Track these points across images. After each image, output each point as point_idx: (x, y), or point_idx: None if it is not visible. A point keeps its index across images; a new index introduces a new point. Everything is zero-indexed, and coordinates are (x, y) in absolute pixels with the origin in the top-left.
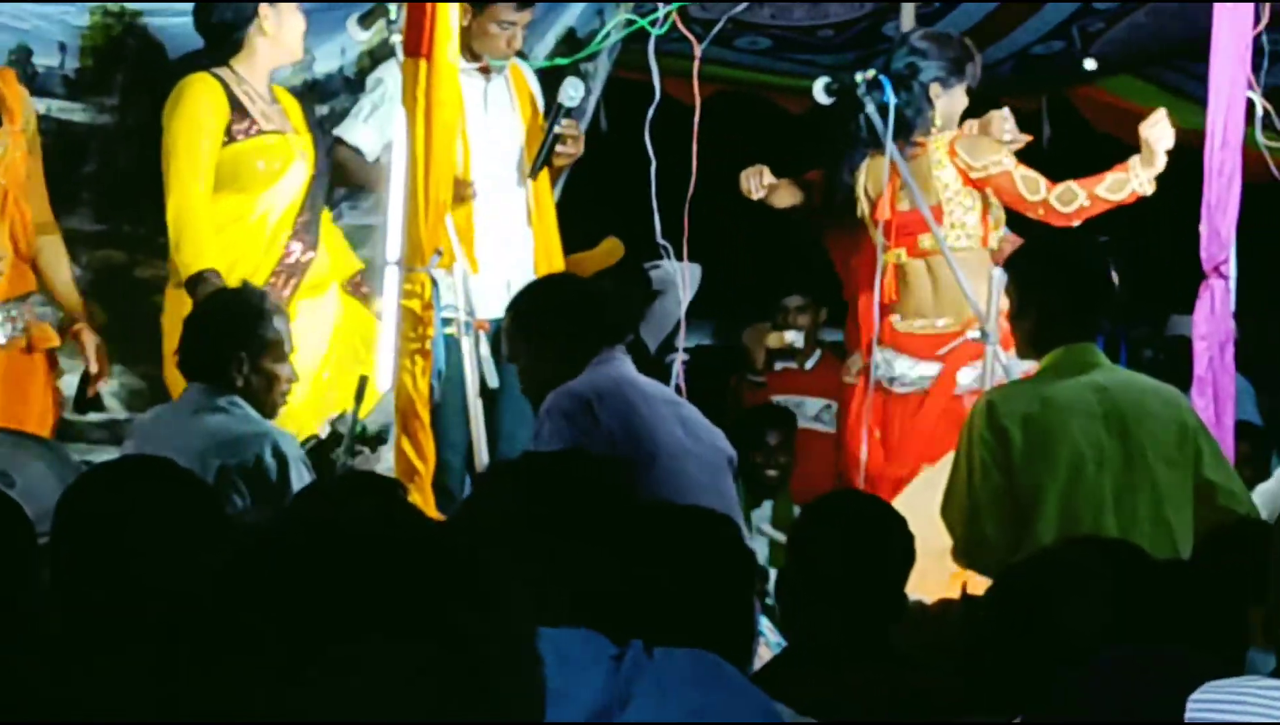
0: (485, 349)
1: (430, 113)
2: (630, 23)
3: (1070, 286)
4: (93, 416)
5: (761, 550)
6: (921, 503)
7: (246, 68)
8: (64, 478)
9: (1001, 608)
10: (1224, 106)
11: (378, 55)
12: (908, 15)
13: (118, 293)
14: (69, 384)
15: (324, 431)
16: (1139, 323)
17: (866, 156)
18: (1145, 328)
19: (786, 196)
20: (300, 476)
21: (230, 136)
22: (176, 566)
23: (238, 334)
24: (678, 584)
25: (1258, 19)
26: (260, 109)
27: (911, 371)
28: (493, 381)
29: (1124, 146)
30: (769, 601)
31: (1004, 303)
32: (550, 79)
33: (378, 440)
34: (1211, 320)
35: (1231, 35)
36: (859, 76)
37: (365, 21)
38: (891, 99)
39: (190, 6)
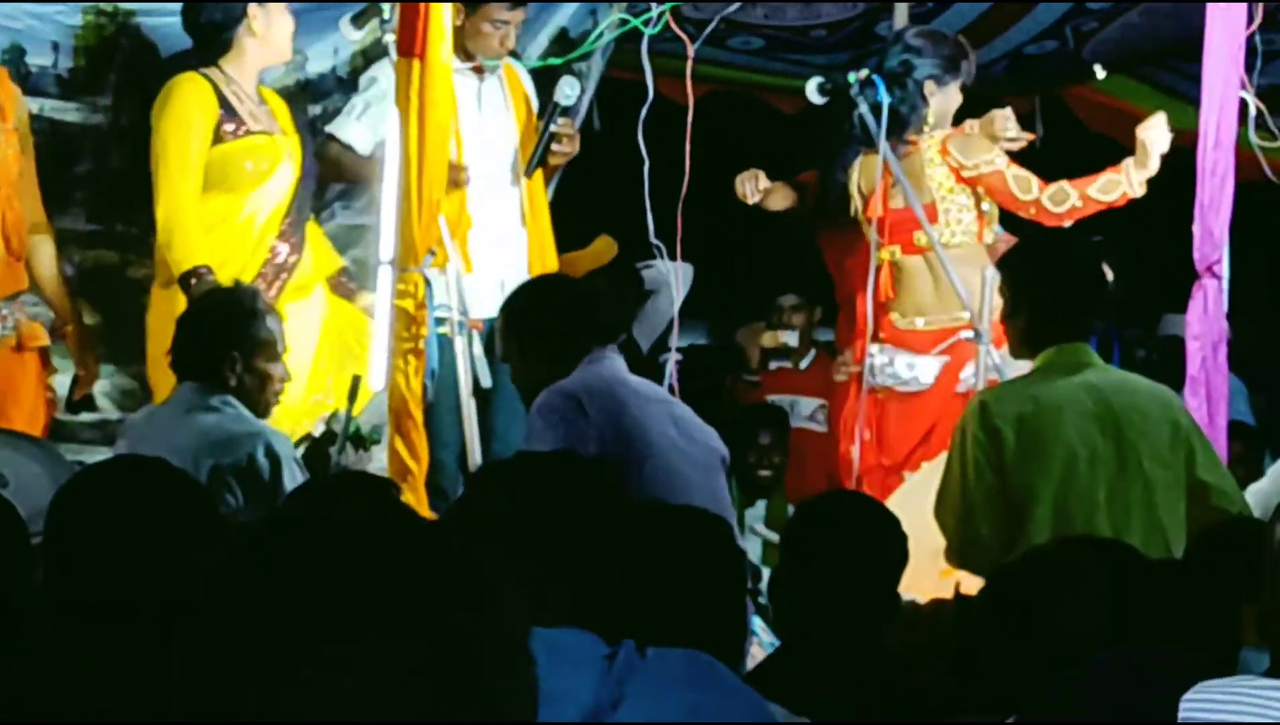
0: (479, 348)
1: (423, 112)
2: (623, 22)
3: (1063, 286)
4: (85, 416)
5: (755, 550)
6: (915, 502)
7: (235, 68)
8: (57, 477)
9: (995, 607)
10: (1217, 107)
11: (371, 55)
12: (901, 15)
13: (110, 293)
14: (61, 384)
15: (317, 431)
16: (1132, 323)
17: (859, 155)
18: (1138, 328)
19: (781, 199)
20: (293, 476)
21: (219, 137)
22: (169, 566)
23: (230, 333)
24: (670, 584)
25: (1250, 19)
26: (248, 109)
27: (913, 369)
28: (486, 381)
29: (1117, 146)
30: (762, 601)
31: (997, 301)
32: (543, 79)
33: (371, 440)
34: (1204, 320)
35: (1224, 35)
36: (852, 76)
37: (358, 21)
38: (885, 98)
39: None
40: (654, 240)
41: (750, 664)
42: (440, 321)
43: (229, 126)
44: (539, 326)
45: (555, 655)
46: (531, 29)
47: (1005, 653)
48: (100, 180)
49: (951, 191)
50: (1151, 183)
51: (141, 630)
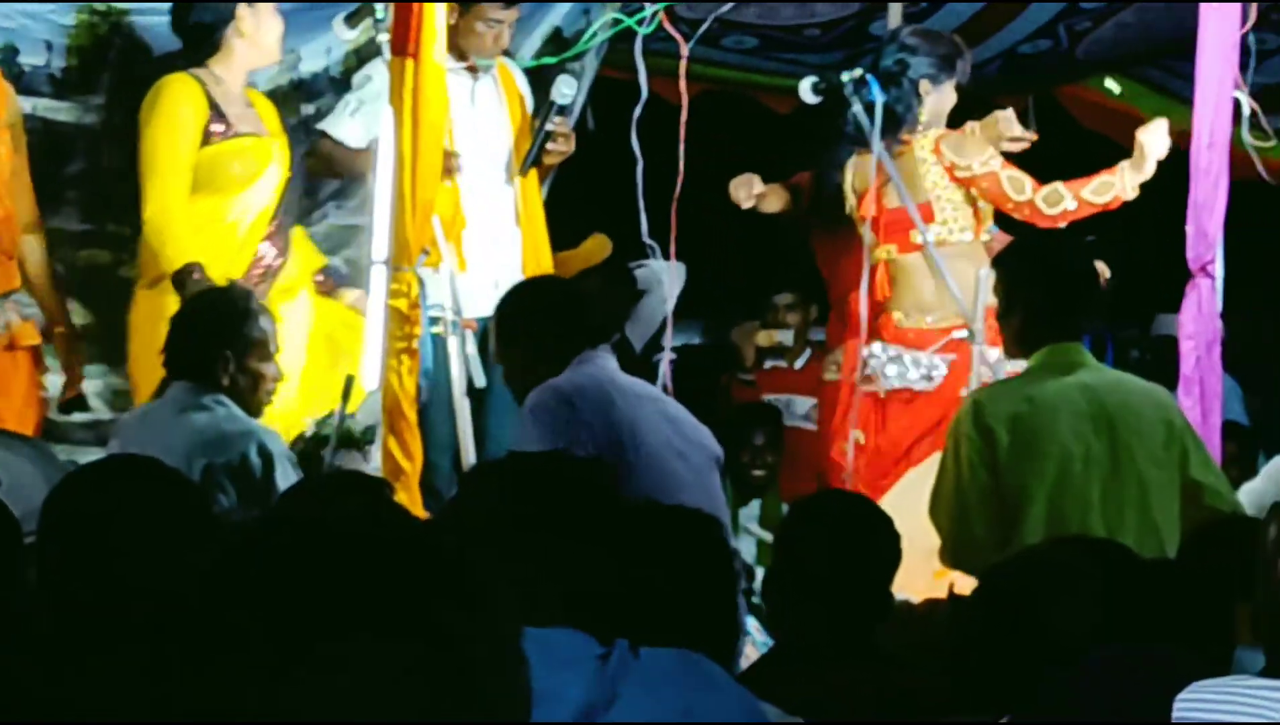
0: (472, 348)
1: (417, 112)
2: (617, 22)
3: (1056, 286)
4: (77, 416)
5: (749, 549)
6: (909, 502)
7: (224, 69)
8: (50, 477)
9: (989, 607)
10: (1210, 106)
11: (364, 54)
12: (895, 14)
13: (102, 292)
14: (54, 383)
15: (310, 430)
16: (1126, 322)
17: (853, 154)
18: (1132, 327)
19: (776, 202)
20: (286, 474)
21: (207, 138)
22: (163, 565)
23: (223, 333)
24: (662, 583)
25: (1244, 19)
26: (236, 111)
27: (922, 366)
28: (480, 381)
29: (1111, 144)
30: (756, 601)
31: (991, 301)
32: (537, 78)
33: (364, 440)
34: (1198, 320)
35: (1218, 35)
36: (846, 76)
37: (352, 21)
38: (878, 97)
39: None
40: (648, 239)
41: (745, 664)
42: (434, 321)
43: (218, 128)
44: (532, 328)
45: (548, 655)
46: (525, 28)
47: (999, 652)
48: (93, 180)
49: (947, 190)
50: (1145, 182)
51: (139, 630)
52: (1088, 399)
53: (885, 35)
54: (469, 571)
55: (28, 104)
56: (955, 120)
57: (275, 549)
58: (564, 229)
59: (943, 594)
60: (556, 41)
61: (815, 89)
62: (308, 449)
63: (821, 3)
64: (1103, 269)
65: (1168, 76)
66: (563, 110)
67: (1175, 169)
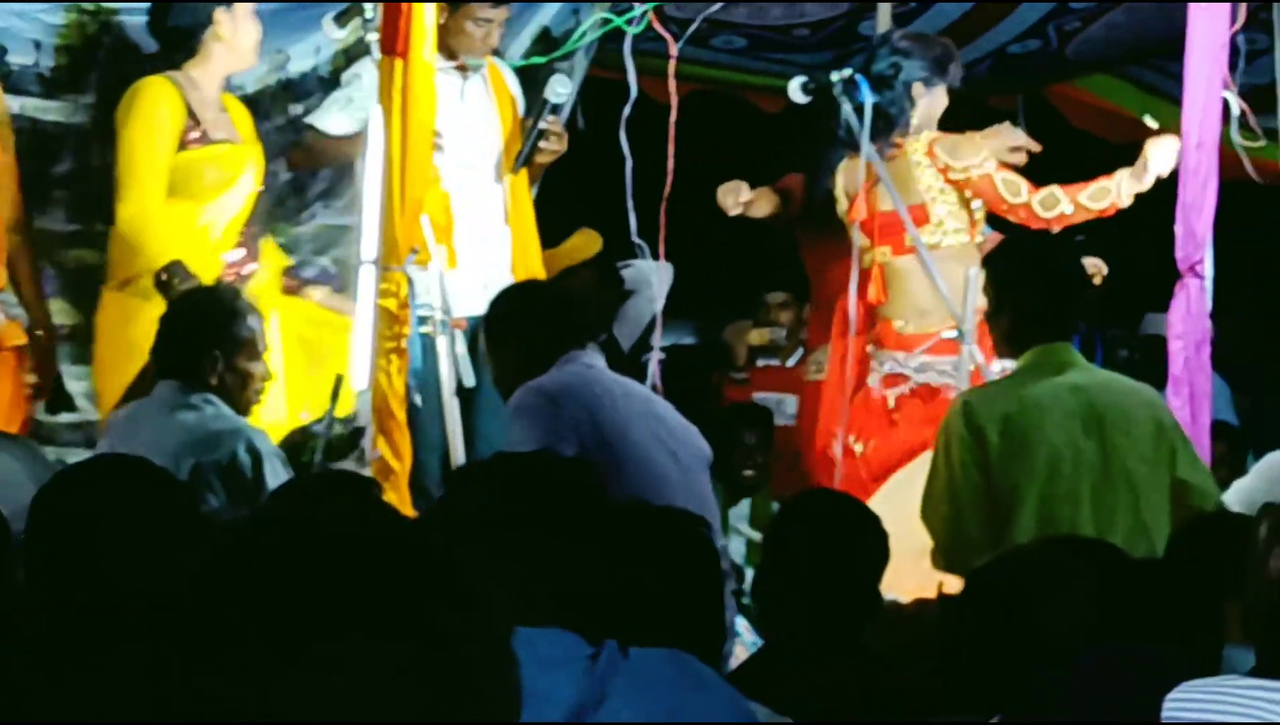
0: (461, 348)
1: (406, 111)
2: (606, 22)
3: (1046, 287)
4: (64, 417)
5: (739, 549)
6: (897, 502)
7: (200, 73)
8: (38, 476)
9: (979, 607)
10: (1200, 107)
11: (353, 54)
12: (884, 15)
13: (90, 293)
14: None
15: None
16: (1115, 322)
17: (845, 157)
18: (1121, 327)
19: (764, 206)
20: (275, 473)
21: (183, 143)
22: (152, 565)
23: (211, 332)
24: (650, 583)
25: (1233, 19)
26: (211, 116)
27: (922, 368)
28: (469, 380)
29: (1102, 144)
30: (746, 602)
31: (981, 301)
32: (526, 78)
33: (352, 442)
34: (1187, 320)
35: (1207, 35)
36: (835, 76)
37: (341, 20)
38: (868, 98)
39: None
40: (637, 239)
41: (734, 664)
42: (423, 321)
43: (194, 134)
44: (522, 331)
45: (538, 655)
46: (514, 28)
47: (989, 652)
48: (81, 180)
49: (942, 192)
50: None
51: (137, 630)
52: (1078, 399)
53: (875, 37)
54: (461, 572)
55: (16, 103)
56: (946, 120)
57: (266, 548)
58: (553, 228)
59: (932, 594)
60: (545, 41)
61: (804, 89)
62: (297, 449)
63: (810, 3)
64: (1100, 265)
65: (1159, 76)
66: (556, 109)
67: None
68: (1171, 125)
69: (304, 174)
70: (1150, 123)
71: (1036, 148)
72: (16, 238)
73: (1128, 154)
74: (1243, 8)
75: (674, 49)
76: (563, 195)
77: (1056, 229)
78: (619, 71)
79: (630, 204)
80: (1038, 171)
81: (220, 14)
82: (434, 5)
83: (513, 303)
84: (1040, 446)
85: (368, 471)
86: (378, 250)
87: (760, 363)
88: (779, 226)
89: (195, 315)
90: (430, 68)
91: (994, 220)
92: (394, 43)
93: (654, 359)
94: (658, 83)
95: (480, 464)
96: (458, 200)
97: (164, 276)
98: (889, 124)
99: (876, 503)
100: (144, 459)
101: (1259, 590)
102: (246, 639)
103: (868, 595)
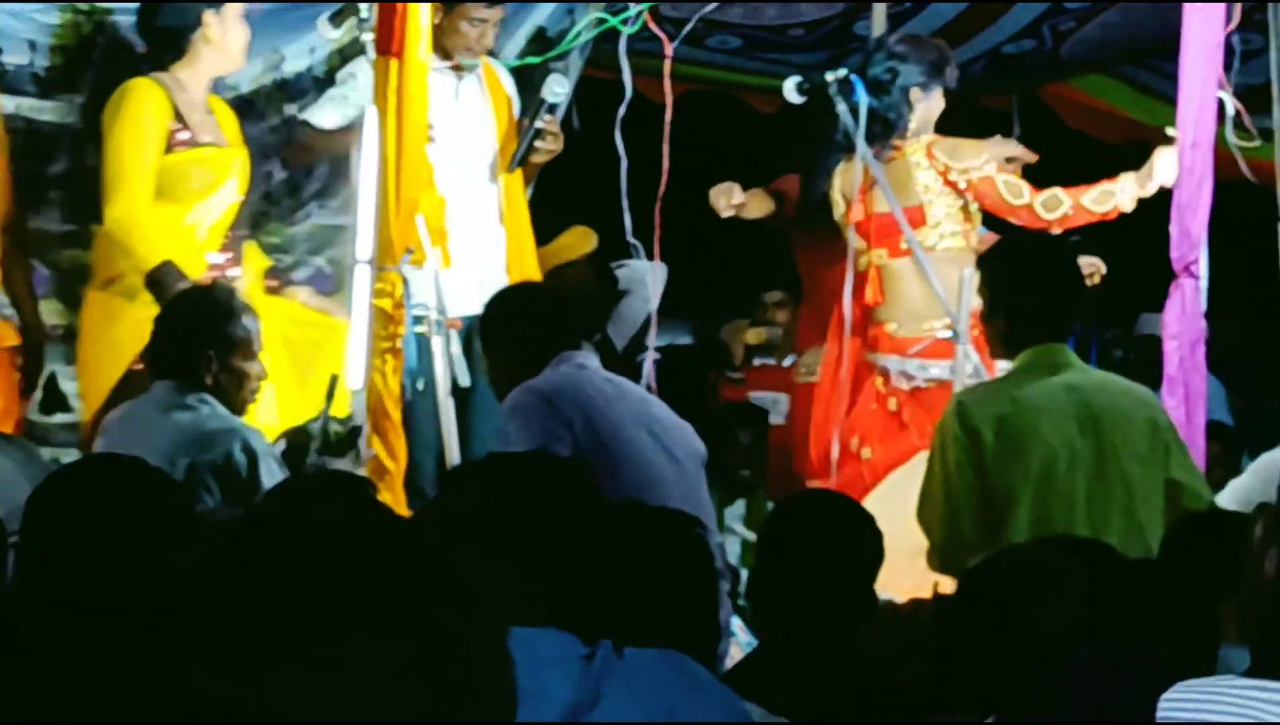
0: (457, 347)
1: (401, 111)
2: (601, 21)
3: (1041, 288)
4: (59, 417)
5: (734, 549)
6: (892, 501)
7: (188, 75)
8: (33, 476)
9: (974, 607)
10: (1194, 107)
11: (348, 54)
12: (879, 15)
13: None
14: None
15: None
16: (1110, 322)
17: (842, 161)
18: (1116, 328)
19: (758, 208)
20: (270, 472)
21: (170, 146)
22: (147, 565)
23: (206, 332)
24: (644, 583)
25: (1228, 19)
26: (198, 119)
27: (923, 369)
28: (464, 380)
29: (1096, 144)
30: (741, 602)
31: (976, 302)
32: (521, 78)
33: (349, 442)
34: (1182, 320)
35: (1202, 35)
36: (830, 76)
37: (336, 20)
38: (863, 98)
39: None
40: (632, 239)
41: (729, 664)
42: (418, 320)
43: (181, 136)
44: (518, 333)
45: (533, 655)
46: (509, 28)
47: (984, 652)
48: (76, 180)
49: (940, 195)
50: None
51: (136, 630)
52: (1073, 399)
53: (870, 39)
54: (457, 571)
55: (10, 103)
56: (940, 121)
57: (262, 548)
58: (548, 228)
59: (927, 594)
60: (540, 41)
61: (799, 89)
62: (293, 449)
63: (805, 3)
64: (1098, 265)
65: (1153, 77)
66: (552, 109)
67: None
68: (1166, 125)
69: (299, 173)
70: (1171, 132)
71: (1032, 159)
72: (9, 238)
73: (1122, 154)
74: (1238, 8)
75: (669, 49)
76: (558, 195)
77: (1057, 230)
78: (614, 71)
79: (625, 204)
80: (1034, 171)
81: (209, 16)
82: (429, 5)
83: (508, 305)
84: (1035, 447)
85: (363, 471)
86: (373, 250)
87: (757, 362)
88: (773, 228)
89: (191, 315)
90: (425, 67)
91: (989, 220)
92: (389, 43)
93: (649, 359)
94: (653, 82)
95: (475, 464)
96: (453, 200)
97: (156, 277)
98: (887, 129)
99: (871, 503)
100: (139, 459)
101: (1255, 590)
102: (246, 639)
103: (863, 595)
